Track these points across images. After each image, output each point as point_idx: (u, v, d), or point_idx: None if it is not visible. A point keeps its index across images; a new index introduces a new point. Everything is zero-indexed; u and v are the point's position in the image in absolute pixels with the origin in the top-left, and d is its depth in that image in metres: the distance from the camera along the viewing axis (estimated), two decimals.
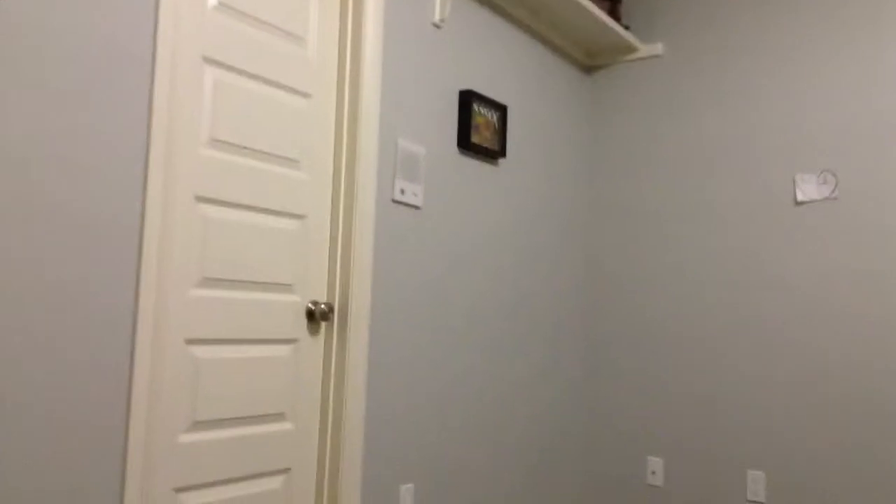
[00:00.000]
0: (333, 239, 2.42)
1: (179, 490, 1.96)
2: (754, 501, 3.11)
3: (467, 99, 2.84)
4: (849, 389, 2.96)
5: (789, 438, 3.06)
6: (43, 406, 1.65)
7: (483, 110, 2.92)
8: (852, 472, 2.92)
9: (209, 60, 2.06)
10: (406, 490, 2.57)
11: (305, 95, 2.35)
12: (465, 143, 2.83)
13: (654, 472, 3.37)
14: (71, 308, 1.70)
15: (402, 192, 2.59)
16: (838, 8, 3.11)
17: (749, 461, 3.15)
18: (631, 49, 3.58)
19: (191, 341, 2.00)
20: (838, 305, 3.01)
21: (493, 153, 2.98)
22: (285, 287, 2.27)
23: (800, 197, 3.12)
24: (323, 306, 2.34)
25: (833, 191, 3.06)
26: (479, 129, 2.89)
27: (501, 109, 3.02)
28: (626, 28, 3.54)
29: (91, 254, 1.74)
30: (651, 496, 3.36)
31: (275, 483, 2.21)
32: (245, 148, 2.16)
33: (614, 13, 3.48)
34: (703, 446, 3.26)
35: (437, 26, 2.76)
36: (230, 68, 2.12)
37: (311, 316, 2.34)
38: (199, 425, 2.01)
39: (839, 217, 3.04)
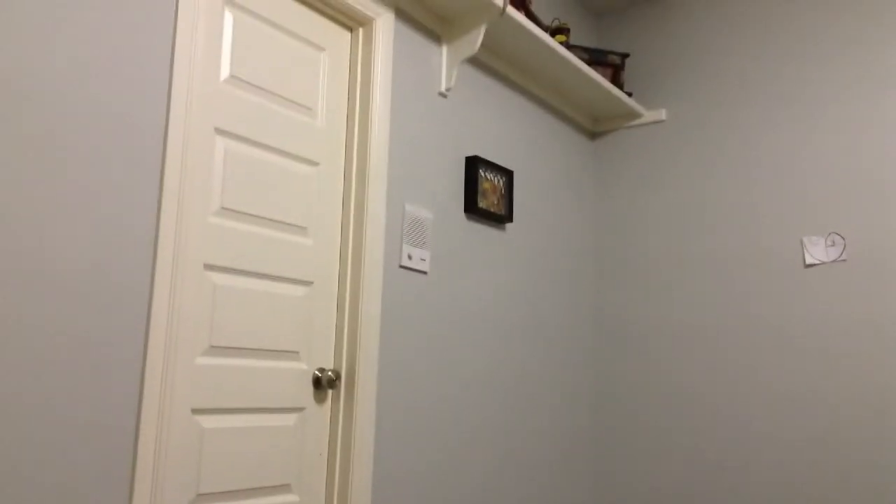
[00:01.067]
0: (340, 305, 2.41)
1: None
2: None
3: (474, 164, 2.87)
4: (862, 449, 2.89)
5: (805, 499, 2.98)
6: (46, 470, 1.62)
7: (489, 175, 2.95)
8: None
9: (220, 131, 2.10)
10: None
11: (314, 163, 2.38)
12: (472, 207, 2.85)
13: None
14: (78, 374, 1.69)
15: (410, 257, 2.59)
16: (843, 67, 3.16)
17: None
18: (634, 115, 3.63)
19: (196, 411, 1.98)
20: (850, 365, 2.97)
21: (500, 217, 3.00)
22: (292, 354, 2.25)
23: (808, 260, 3.12)
24: (330, 373, 2.32)
25: (841, 253, 3.05)
26: (485, 193, 2.92)
27: (508, 174, 3.05)
28: (629, 95, 3.60)
29: (100, 322, 1.74)
30: None
31: None
32: (254, 216, 2.17)
33: (616, 80, 3.55)
34: None
35: (443, 95, 2.81)
36: (240, 138, 2.15)
37: (318, 383, 2.32)
38: (203, 498, 1.97)
39: (848, 279, 3.02)
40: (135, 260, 1.82)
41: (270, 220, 2.22)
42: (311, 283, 2.34)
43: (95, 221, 1.75)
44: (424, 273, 2.66)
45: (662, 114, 3.58)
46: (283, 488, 2.19)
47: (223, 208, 2.09)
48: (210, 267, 2.04)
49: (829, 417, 2.99)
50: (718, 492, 3.19)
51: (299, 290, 2.30)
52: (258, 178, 2.19)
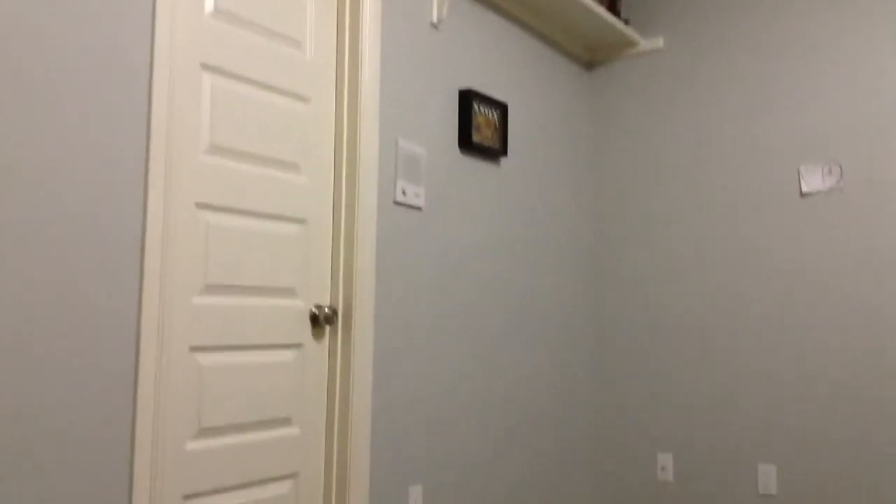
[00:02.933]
0: (336, 242, 2.41)
1: (187, 497, 1.96)
2: (766, 495, 3.10)
3: (467, 98, 2.83)
4: (857, 380, 2.94)
5: (800, 431, 3.05)
6: (48, 415, 1.65)
7: (483, 109, 2.91)
8: (862, 464, 2.91)
9: (207, 67, 2.06)
10: (414, 491, 2.57)
11: (304, 99, 2.34)
12: (466, 142, 2.82)
13: (663, 469, 3.36)
14: (74, 317, 1.70)
15: (404, 193, 2.58)
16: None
17: (760, 455, 3.13)
18: (631, 44, 3.56)
19: (195, 349, 2.00)
20: (846, 296, 2.99)
21: (495, 152, 2.97)
22: (288, 292, 2.26)
23: (805, 188, 3.10)
24: (327, 310, 2.33)
25: (838, 181, 3.04)
26: (479, 128, 2.88)
27: (502, 108, 3.01)
28: (626, 22, 3.52)
29: (93, 263, 1.74)
30: (661, 492, 3.35)
31: (283, 488, 2.21)
32: (245, 153, 2.15)
33: (613, 8, 3.47)
34: (713, 441, 3.25)
35: (434, 26, 2.75)
36: (228, 74, 2.11)
37: (315, 320, 2.34)
38: (205, 432, 2.01)
39: (845, 208, 3.02)
40: (126, 200, 1.81)
41: (262, 157, 2.20)
42: (306, 220, 2.33)
43: (82, 164, 1.73)
44: (419, 209, 2.65)
45: (660, 42, 3.51)
46: (284, 421, 2.23)
47: (213, 146, 2.06)
48: (203, 206, 2.03)
49: (823, 346, 3.03)
50: (718, 425, 3.25)
51: (294, 228, 2.29)
52: (248, 114, 2.16)
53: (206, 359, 2.02)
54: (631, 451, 3.45)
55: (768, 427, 3.12)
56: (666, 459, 3.35)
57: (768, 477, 3.09)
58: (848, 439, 2.94)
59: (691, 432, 3.30)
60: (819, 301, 3.05)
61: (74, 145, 1.71)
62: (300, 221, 2.31)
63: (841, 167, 3.03)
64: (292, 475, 2.25)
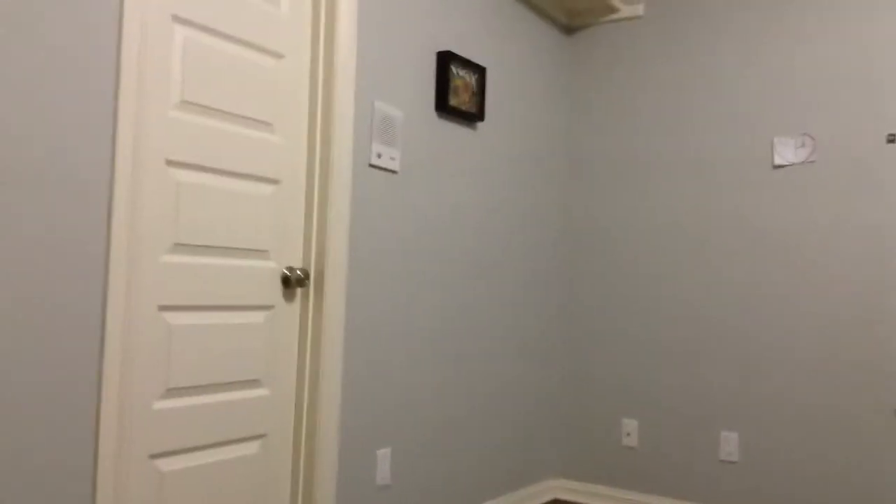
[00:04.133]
0: (309, 204, 2.38)
1: (154, 456, 1.95)
2: (727, 461, 3.17)
3: (445, 60, 2.79)
4: (823, 351, 3.00)
5: (763, 400, 3.11)
6: (11, 373, 1.62)
7: (461, 72, 2.87)
8: (823, 434, 2.98)
9: (178, 19, 1.99)
10: (383, 454, 2.58)
11: (278, 55, 2.29)
12: (443, 105, 2.79)
13: (628, 434, 3.41)
14: (38, 273, 1.66)
15: (379, 156, 2.55)
16: None
17: (723, 422, 3.20)
18: (611, 9, 3.53)
19: (164, 308, 1.97)
20: (815, 267, 3.04)
21: (472, 116, 2.94)
22: (260, 253, 2.24)
23: (777, 160, 3.12)
24: (299, 272, 2.31)
25: (811, 154, 3.06)
26: (457, 91, 2.85)
27: (480, 71, 2.97)
28: None
29: (59, 219, 1.69)
30: (626, 457, 3.42)
31: (251, 449, 2.21)
32: (217, 110, 2.10)
33: None
34: (678, 408, 3.30)
35: None
36: (200, 27, 2.05)
37: (287, 282, 2.31)
38: (173, 392, 1.99)
39: (816, 180, 3.05)
40: (93, 156, 1.76)
41: (235, 115, 2.15)
42: (279, 181, 2.29)
43: (48, 118, 1.67)
44: (395, 172, 2.63)
45: (640, 9, 3.48)
46: (254, 383, 2.22)
47: (184, 101, 2.01)
48: (173, 163, 1.99)
49: (790, 317, 3.08)
50: (683, 392, 3.31)
51: (267, 189, 2.25)
52: (220, 69, 2.11)
53: (174, 318, 2.00)
54: (597, 416, 3.50)
55: (733, 395, 3.18)
56: (631, 425, 3.41)
57: (731, 444, 3.16)
58: (811, 408, 3.01)
59: (657, 399, 3.36)
60: (788, 272, 3.09)
61: (40, 100, 1.66)
62: (273, 182, 2.27)
63: (814, 139, 3.06)
64: (261, 436, 2.24)
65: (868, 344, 2.92)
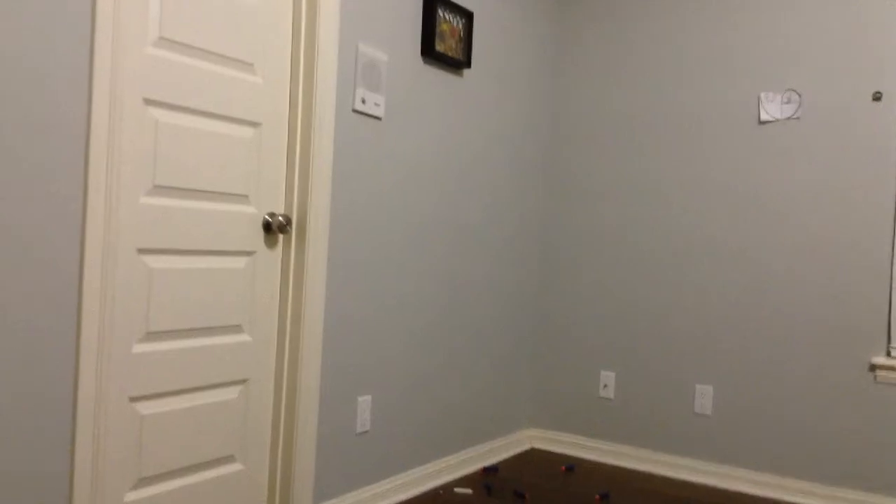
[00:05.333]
0: (291, 149, 2.34)
1: (134, 399, 1.93)
2: (701, 414, 3.23)
3: (432, 2, 2.72)
4: (797, 307, 3.04)
5: (739, 354, 3.15)
6: None
7: (448, 16, 2.81)
8: (797, 388, 3.03)
9: None
10: (363, 401, 2.59)
11: None
12: (430, 51, 2.73)
13: (605, 386, 3.46)
14: (14, 214, 1.61)
15: (363, 101, 2.50)
16: None
17: (698, 376, 3.24)
18: None
19: (143, 251, 1.93)
20: (796, 225, 3.06)
21: (458, 63, 2.89)
22: (241, 198, 2.20)
23: (763, 116, 3.11)
24: (280, 218, 2.28)
25: (796, 111, 3.05)
26: (443, 36, 2.79)
27: (467, 16, 2.91)
28: None
29: (34, 160, 1.64)
30: (602, 409, 3.46)
31: (232, 393, 2.20)
32: (196, 48, 2.04)
33: None
34: (655, 361, 3.34)
35: None
36: None
37: (269, 228, 2.28)
38: (153, 336, 1.97)
39: (801, 137, 3.05)
40: (70, 94, 1.70)
41: (214, 53, 2.09)
42: (260, 124, 2.24)
43: (22, 56, 1.61)
44: (378, 118, 2.58)
45: None
46: (235, 329, 2.20)
47: (162, 38, 1.95)
48: (151, 102, 1.93)
49: (769, 273, 3.10)
50: (660, 345, 3.34)
51: (247, 132, 2.20)
52: (199, 5, 2.03)
53: (154, 261, 1.96)
54: (575, 368, 3.54)
55: (709, 349, 3.22)
56: (608, 377, 3.45)
57: (705, 397, 3.21)
58: (785, 363, 3.06)
59: (634, 352, 3.39)
60: (768, 229, 3.11)
61: (12, 37, 1.59)
62: (253, 124, 2.22)
63: (800, 95, 3.05)
64: (242, 381, 2.24)
65: (844, 301, 2.95)
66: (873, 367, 2.90)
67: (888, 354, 2.88)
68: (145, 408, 1.96)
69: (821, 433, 2.98)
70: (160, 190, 1.97)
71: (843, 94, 2.97)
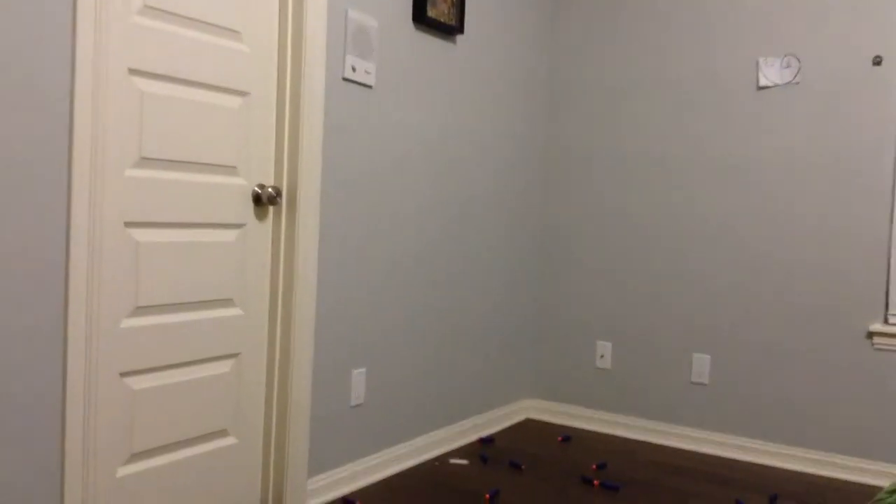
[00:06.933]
0: (280, 118, 2.29)
1: (125, 374, 1.91)
2: (697, 383, 3.22)
3: None
4: (795, 276, 3.02)
5: (735, 323, 3.14)
6: None
7: None
8: (793, 356, 3.03)
9: None
10: (358, 374, 2.58)
11: None
12: (421, 16, 2.68)
13: (602, 356, 3.45)
14: (4, 191, 1.58)
15: (354, 69, 2.45)
16: None
17: (695, 346, 3.23)
18: None
19: (130, 224, 1.90)
20: (794, 193, 3.02)
21: (451, 29, 2.83)
22: (229, 169, 2.16)
23: (762, 81, 3.06)
24: (270, 190, 2.24)
25: (795, 75, 3.00)
26: (435, 1, 2.73)
27: None
28: None
29: (18, 133, 1.60)
30: (599, 378, 3.46)
31: (224, 367, 2.19)
32: (180, 16, 1.99)
33: None
34: (652, 331, 3.33)
35: None
36: None
37: (258, 200, 2.25)
38: (142, 310, 1.94)
39: (801, 102, 3.00)
40: (52, 63, 1.66)
41: (200, 21, 2.04)
42: (248, 93, 2.20)
43: (5, 24, 1.57)
44: (369, 87, 2.53)
45: None
46: (226, 302, 2.18)
47: (146, 6, 1.89)
48: (135, 72, 1.89)
49: (768, 243, 3.08)
50: (657, 315, 3.33)
51: (235, 101, 2.16)
52: None
53: (142, 234, 1.93)
54: (572, 338, 3.53)
55: (705, 319, 3.21)
56: (605, 347, 3.44)
57: (702, 366, 3.21)
58: (782, 332, 3.05)
59: (631, 323, 3.38)
60: (766, 196, 3.08)
61: None
62: (241, 94, 2.18)
63: (800, 60, 2.99)
64: (234, 355, 2.22)
65: (842, 269, 2.93)
66: (870, 335, 2.89)
67: (886, 321, 2.86)
68: (136, 383, 1.94)
69: (818, 400, 2.98)
70: (146, 162, 1.93)
71: (843, 58, 2.92)
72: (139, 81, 1.90)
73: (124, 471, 1.93)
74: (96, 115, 1.78)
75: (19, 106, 1.61)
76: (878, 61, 2.86)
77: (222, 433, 2.20)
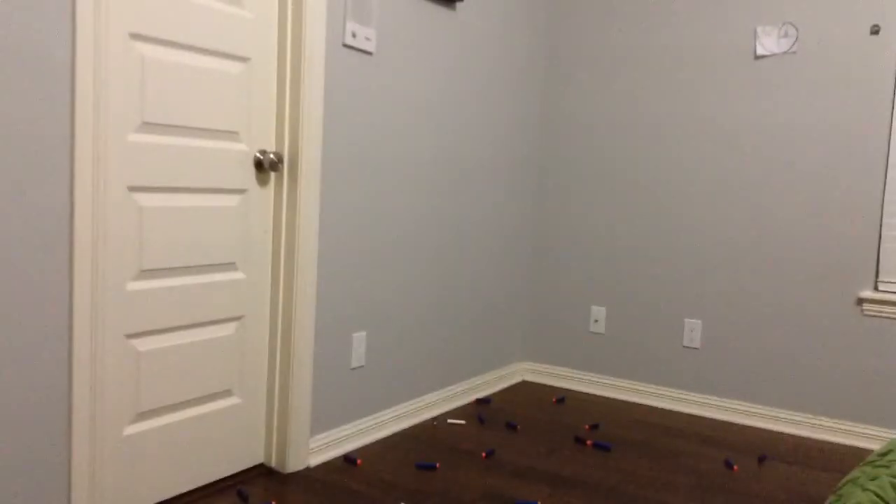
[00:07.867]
0: (281, 84, 2.31)
1: (130, 336, 1.96)
2: (689, 347, 3.29)
3: None
4: (787, 243, 3.06)
5: (727, 289, 3.19)
6: None
7: None
8: (785, 322, 3.08)
9: None
10: (358, 338, 2.63)
11: None
12: None
13: (596, 321, 3.51)
14: (2, 158, 1.60)
15: (354, 35, 2.45)
16: None
17: (687, 311, 3.29)
18: None
19: (133, 188, 1.93)
20: (790, 160, 3.05)
21: None
22: (230, 135, 2.18)
23: (759, 51, 3.07)
24: (272, 155, 2.27)
25: (793, 44, 3.01)
26: None
27: None
28: None
29: (20, 101, 1.62)
30: (593, 343, 3.52)
31: (228, 330, 2.23)
32: None
33: None
34: (645, 296, 3.39)
35: None
36: None
37: (260, 166, 2.27)
38: (146, 273, 1.98)
39: (798, 71, 3.01)
40: (54, 29, 1.67)
41: None
42: (249, 59, 2.21)
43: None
44: (370, 53, 2.54)
45: None
46: (229, 266, 2.22)
47: None
48: (136, 36, 1.90)
49: (762, 210, 3.11)
50: (650, 281, 3.37)
51: (236, 67, 2.17)
52: None
53: (145, 199, 1.96)
54: (567, 303, 3.58)
55: (698, 284, 3.26)
56: (599, 312, 3.50)
57: (694, 331, 3.27)
58: (773, 298, 3.10)
59: (625, 288, 3.43)
60: (761, 164, 3.11)
61: None
62: (242, 59, 2.19)
63: (797, 29, 3.00)
64: (238, 318, 2.26)
65: (833, 236, 2.98)
66: (861, 301, 2.94)
67: (876, 288, 2.92)
68: (142, 344, 1.99)
69: (807, 365, 3.05)
70: (149, 127, 1.95)
71: (841, 27, 2.93)
72: (141, 46, 1.91)
73: (131, 430, 1.98)
74: (98, 80, 1.80)
75: (21, 72, 1.63)
76: (875, 31, 2.87)
77: (227, 393, 2.25)
